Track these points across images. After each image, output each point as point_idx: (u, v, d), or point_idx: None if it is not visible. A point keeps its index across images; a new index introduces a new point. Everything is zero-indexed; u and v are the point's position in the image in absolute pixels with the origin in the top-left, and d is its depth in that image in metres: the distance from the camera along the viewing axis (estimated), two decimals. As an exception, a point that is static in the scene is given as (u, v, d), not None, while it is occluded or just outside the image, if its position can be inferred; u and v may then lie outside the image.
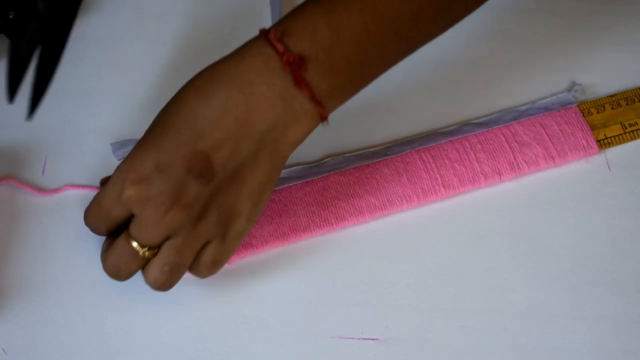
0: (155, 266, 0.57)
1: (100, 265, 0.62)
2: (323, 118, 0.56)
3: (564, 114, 0.69)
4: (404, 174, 0.66)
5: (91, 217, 0.58)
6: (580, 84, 0.71)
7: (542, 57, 0.73)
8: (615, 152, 0.69)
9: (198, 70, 0.71)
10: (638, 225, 0.66)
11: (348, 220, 0.65)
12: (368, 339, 0.61)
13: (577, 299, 0.63)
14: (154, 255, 0.57)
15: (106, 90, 0.71)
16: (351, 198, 0.65)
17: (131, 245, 0.56)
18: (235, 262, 0.63)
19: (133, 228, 0.56)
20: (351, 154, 0.68)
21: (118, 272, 0.58)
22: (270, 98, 0.54)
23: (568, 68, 0.73)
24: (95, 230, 0.59)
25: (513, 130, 0.68)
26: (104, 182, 0.61)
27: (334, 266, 0.64)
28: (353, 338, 0.61)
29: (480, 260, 0.64)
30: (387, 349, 0.61)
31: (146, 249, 0.56)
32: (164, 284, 0.57)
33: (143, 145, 0.56)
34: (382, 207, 0.65)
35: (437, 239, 0.65)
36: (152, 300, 0.62)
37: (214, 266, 0.58)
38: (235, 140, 0.55)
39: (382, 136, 0.69)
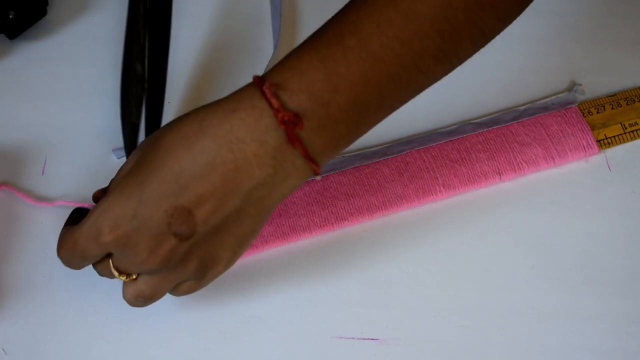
0: (130, 291, 0.56)
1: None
2: (315, 173, 0.53)
3: (564, 113, 0.69)
4: (404, 174, 0.66)
5: (65, 253, 0.56)
6: (580, 84, 0.71)
7: (542, 57, 0.73)
8: (615, 152, 0.69)
9: (198, 69, 0.72)
10: (638, 225, 0.66)
11: (348, 220, 0.65)
12: (368, 339, 0.61)
13: (577, 299, 0.63)
14: (131, 278, 0.56)
15: (106, 90, 0.71)
16: (351, 198, 0.65)
17: (108, 264, 0.55)
18: (235, 263, 0.63)
19: (112, 257, 0.55)
20: (351, 154, 0.67)
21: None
22: (261, 156, 0.51)
23: (568, 68, 0.73)
24: (67, 264, 0.57)
25: (513, 130, 0.68)
26: (97, 196, 0.59)
27: (334, 266, 0.64)
28: (353, 338, 0.61)
29: (480, 260, 0.64)
30: (387, 349, 0.61)
31: (124, 275, 0.56)
32: (138, 306, 0.57)
33: (124, 190, 0.53)
34: (382, 207, 0.65)
35: (437, 239, 0.65)
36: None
37: (186, 294, 0.58)
38: (220, 197, 0.52)
39: (382, 136, 0.69)
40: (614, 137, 0.69)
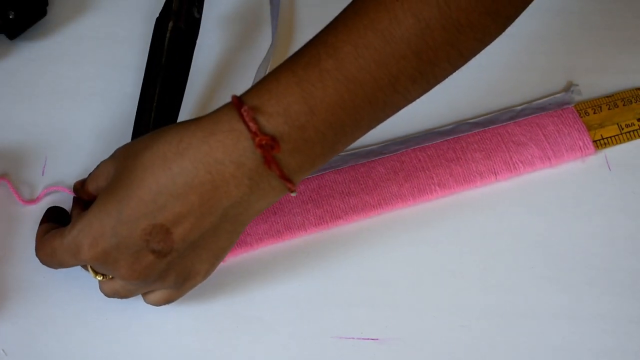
0: (106, 288, 0.58)
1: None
2: (290, 191, 0.54)
3: (561, 114, 0.69)
4: (399, 173, 0.66)
5: (43, 258, 0.58)
6: (577, 84, 0.71)
7: (539, 57, 0.73)
8: (615, 152, 0.69)
9: (198, 69, 0.71)
10: (638, 225, 0.66)
11: (343, 219, 0.65)
12: (368, 339, 0.61)
13: (577, 299, 0.63)
14: (108, 278, 0.58)
15: (106, 90, 0.71)
16: (346, 196, 0.65)
17: (86, 266, 0.58)
18: (230, 260, 0.63)
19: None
20: (347, 153, 0.68)
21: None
22: (238, 177, 0.52)
23: (565, 68, 0.73)
24: (45, 265, 0.59)
25: (509, 130, 0.68)
26: (78, 186, 0.61)
27: (334, 266, 0.64)
28: (353, 338, 0.61)
29: (480, 260, 0.64)
30: (387, 349, 0.61)
31: (100, 276, 0.58)
32: (114, 298, 0.59)
33: (103, 208, 0.54)
34: (378, 205, 0.65)
35: (437, 239, 0.65)
36: (152, 300, 0.62)
37: (161, 304, 0.59)
38: (198, 215, 0.53)
39: (378, 135, 0.69)
40: (610, 137, 0.69)
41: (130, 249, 0.54)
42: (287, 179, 0.53)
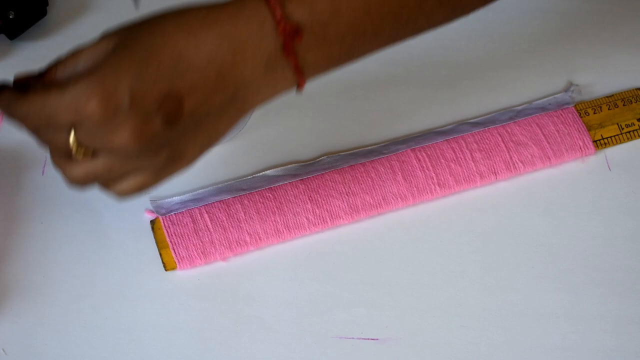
0: (82, 169, 0.53)
1: (100, 265, 0.63)
2: (299, 87, 0.55)
3: (561, 114, 0.69)
4: (399, 173, 0.66)
5: (27, 115, 0.52)
6: (577, 85, 0.71)
7: (539, 58, 0.73)
8: (615, 152, 0.69)
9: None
10: (638, 225, 0.66)
11: (343, 219, 0.65)
12: (368, 339, 0.61)
13: (577, 299, 0.63)
14: (88, 156, 0.53)
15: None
16: (346, 196, 0.65)
17: (67, 135, 0.52)
18: (230, 260, 0.63)
19: (81, 127, 0.52)
20: (347, 152, 0.68)
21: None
22: (256, 59, 0.53)
23: (565, 68, 0.73)
24: (21, 126, 0.53)
25: (509, 130, 0.68)
26: (20, 82, 0.54)
27: (334, 266, 0.64)
28: (353, 338, 0.61)
29: (480, 260, 0.64)
30: (387, 349, 0.61)
31: (82, 150, 0.52)
32: (78, 186, 0.55)
33: (118, 66, 0.51)
34: (378, 205, 0.65)
35: (437, 239, 0.65)
36: (152, 300, 0.62)
37: (131, 193, 0.56)
38: (211, 90, 0.53)
39: (378, 135, 0.69)
40: (610, 137, 0.69)
41: (141, 111, 0.51)
42: (300, 72, 0.54)
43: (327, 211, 0.65)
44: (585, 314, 0.62)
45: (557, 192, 0.67)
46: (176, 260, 0.63)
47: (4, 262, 0.63)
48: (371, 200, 0.65)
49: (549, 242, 0.65)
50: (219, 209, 0.64)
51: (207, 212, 0.64)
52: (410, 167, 0.66)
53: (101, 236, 0.64)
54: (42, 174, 0.66)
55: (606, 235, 0.65)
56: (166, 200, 0.65)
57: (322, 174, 0.66)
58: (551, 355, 0.61)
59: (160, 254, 0.63)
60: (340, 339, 0.61)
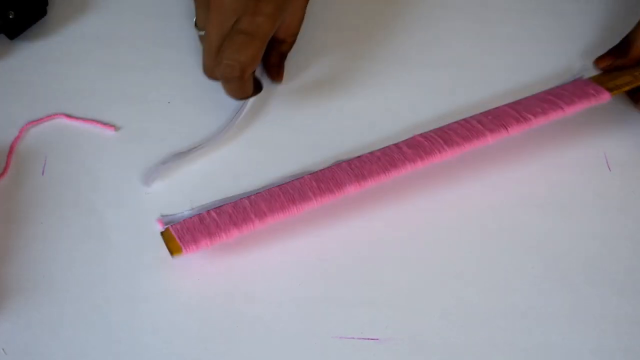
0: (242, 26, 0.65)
1: (100, 265, 0.63)
2: None
3: (572, 83, 0.70)
4: (403, 146, 0.65)
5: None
6: (585, 64, 0.73)
7: (546, 58, 0.74)
8: (615, 152, 0.69)
9: (197, 69, 0.72)
10: (638, 225, 0.66)
11: (350, 187, 0.64)
12: (368, 339, 0.61)
13: (577, 299, 0.63)
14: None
15: (106, 90, 0.71)
16: (352, 169, 0.64)
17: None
18: (230, 259, 0.63)
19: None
20: (358, 156, 0.67)
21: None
22: None
23: (574, 69, 0.73)
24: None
25: (517, 103, 0.68)
26: None
27: (334, 266, 0.64)
28: (353, 338, 0.61)
29: (480, 261, 0.64)
30: (387, 349, 0.61)
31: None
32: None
33: None
34: (385, 170, 0.64)
35: (437, 239, 0.65)
36: (151, 300, 0.62)
37: (244, 56, 0.64)
38: None
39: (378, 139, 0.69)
40: (624, 84, 0.69)
41: None
42: None
43: (333, 180, 0.64)
44: (585, 314, 0.62)
45: (557, 192, 0.67)
46: (181, 245, 0.61)
47: (4, 262, 0.63)
48: (378, 168, 0.64)
49: (549, 242, 0.65)
50: (226, 205, 0.64)
51: (213, 210, 0.64)
52: (415, 142, 0.66)
53: (101, 236, 0.64)
54: (42, 174, 0.67)
55: (606, 235, 0.66)
56: (177, 215, 0.65)
57: (334, 165, 0.66)
58: (551, 355, 0.61)
59: (165, 243, 0.62)
60: (340, 339, 0.61)
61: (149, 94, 0.71)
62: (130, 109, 0.70)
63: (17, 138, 0.68)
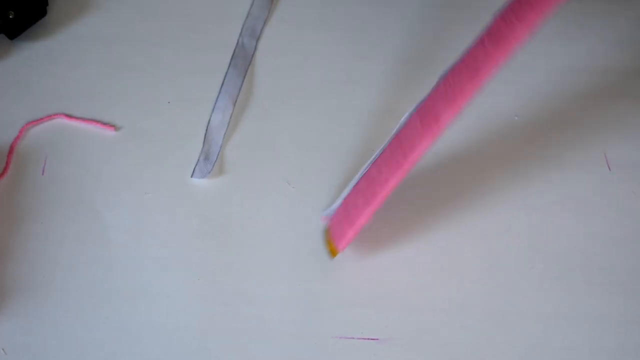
0: None
1: (100, 265, 0.63)
2: None
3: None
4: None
5: None
6: None
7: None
8: (615, 153, 0.69)
9: (198, 68, 0.72)
10: (638, 225, 0.66)
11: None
12: (368, 339, 0.61)
13: (577, 299, 0.63)
14: None
15: (106, 90, 0.71)
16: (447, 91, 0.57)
17: None
18: (230, 259, 0.63)
19: None
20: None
21: None
22: None
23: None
24: None
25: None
26: None
27: (334, 266, 0.64)
28: (353, 338, 0.61)
29: (480, 261, 0.64)
30: (387, 349, 0.61)
31: None
32: None
33: None
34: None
35: (437, 239, 0.65)
36: (151, 300, 0.62)
37: None
38: None
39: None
40: None
41: None
42: None
43: (432, 113, 0.57)
44: (585, 314, 0.62)
45: (556, 192, 0.67)
46: (335, 245, 0.62)
47: (4, 262, 0.63)
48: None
49: (549, 242, 0.65)
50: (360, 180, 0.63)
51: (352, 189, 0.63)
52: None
53: (101, 236, 0.64)
54: (42, 174, 0.67)
55: (606, 235, 0.66)
56: (332, 207, 0.65)
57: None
58: (551, 355, 0.61)
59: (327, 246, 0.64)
60: (340, 339, 0.61)
61: (149, 94, 0.71)
62: (130, 109, 0.70)
63: (17, 138, 0.68)
